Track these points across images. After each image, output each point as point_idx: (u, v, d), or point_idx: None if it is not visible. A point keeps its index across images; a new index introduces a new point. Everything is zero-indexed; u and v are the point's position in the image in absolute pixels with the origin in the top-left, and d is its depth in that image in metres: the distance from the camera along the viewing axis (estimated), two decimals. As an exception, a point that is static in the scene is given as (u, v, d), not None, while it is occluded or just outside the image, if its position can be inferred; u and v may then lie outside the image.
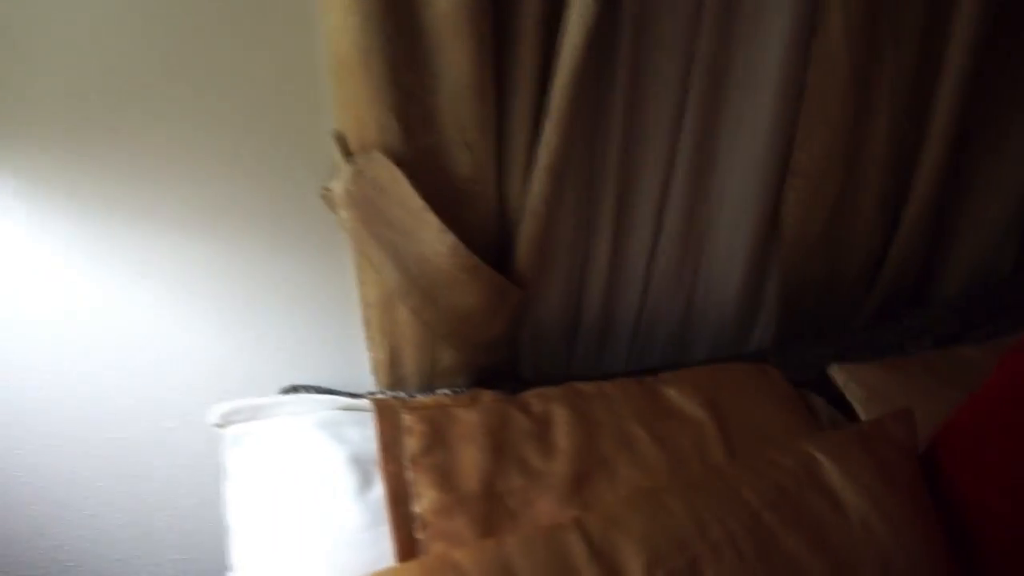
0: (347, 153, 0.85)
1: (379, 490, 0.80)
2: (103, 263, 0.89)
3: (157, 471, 1.06)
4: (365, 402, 0.90)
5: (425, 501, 0.80)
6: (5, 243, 0.86)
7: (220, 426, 0.86)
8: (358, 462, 0.82)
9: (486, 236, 0.93)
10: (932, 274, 1.27)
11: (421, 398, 0.94)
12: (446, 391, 0.99)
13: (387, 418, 0.87)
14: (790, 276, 1.17)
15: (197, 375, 0.99)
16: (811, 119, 1.02)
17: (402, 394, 0.98)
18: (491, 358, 1.06)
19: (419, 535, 0.77)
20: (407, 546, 0.76)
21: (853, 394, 1.06)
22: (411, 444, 0.84)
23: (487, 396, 0.94)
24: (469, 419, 0.89)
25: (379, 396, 0.95)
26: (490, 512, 0.81)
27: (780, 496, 0.78)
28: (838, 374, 1.09)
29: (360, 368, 1.05)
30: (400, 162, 0.83)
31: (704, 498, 0.77)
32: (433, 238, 0.87)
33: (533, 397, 0.96)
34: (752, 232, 1.14)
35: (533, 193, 0.90)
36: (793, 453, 0.84)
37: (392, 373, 1.01)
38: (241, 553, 0.79)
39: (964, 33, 0.96)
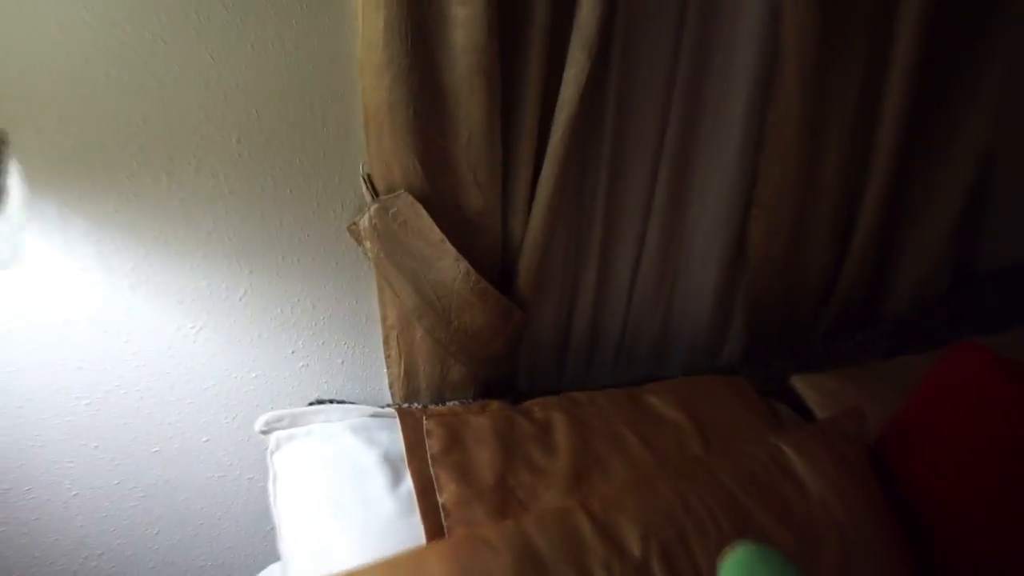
0: (375, 193, 0.98)
1: (407, 484, 0.92)
2: (160, 293, 1.00)
3: (190, 482, 1.16)
4: (389, 410, 1.02)
5: (447, 493, 0.92)
6: (76, 279, 0.97)
7: (264, 432, 0.97)
8: (388, 461, 0.94)
9: (493, 264, 1.06)
10: (881, 292, 1.42)
11: (437, 407, 1.06)
12: (456, 402, 1.12)
13: (409, 424, 0.99)
14: (755, 296, 1.32)
15: (231, 393, 1.09)
16: (770, 157, 1.17)
17: (417, 405, 1.11)
18: (494, 372, 1.18)
19: (445, 522, 0.89)
20: (436, 531, 0.88)
21: (812, 400, 1.20)
22: (433, 445, 0.96)
23: (494, 405, 1.07)
24: (480, 424, 1.01)
25: (399, 406, 1.07)
26: (503, 503, 0.93)
27: (752, 481, 0.91)
28: (798, 383, 1.24)
29: (377, 383, 1.17)
30: (421, 199, 0.97)
31: (688, 483, 0.90)
32: (450, 265, 1.00)
33: (534, 405, 1.08)
34: (721, 257, 1.28)
35: (533, 226, 1.03)
36: (762, 446, 0.97)
37: (407, 387, 1.13)
38: (289, 543, 0.90)
39: (900, 84, 1.12)
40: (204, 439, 1.13)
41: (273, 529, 0.95)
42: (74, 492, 1.10)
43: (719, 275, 1.31)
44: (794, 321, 1.39)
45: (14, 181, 0.79)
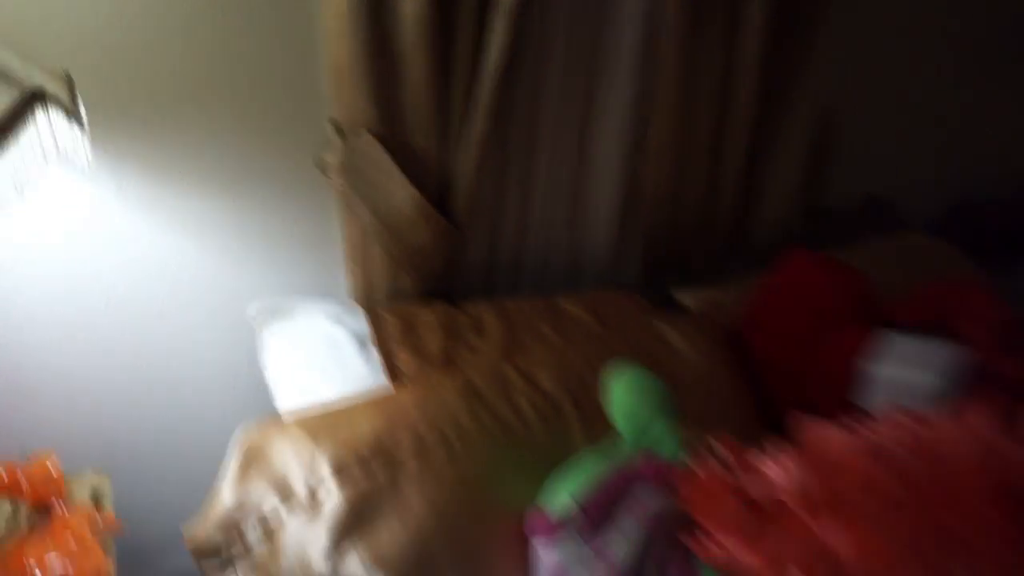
0: (340, 133, 1.24)
1: (374, 355, 1.18)
2: (169, 217, 1.24)
3: (191, 364, 1.36)
4: (353, 305, 1.28)
5: (404, 363, 1.18)
6: (98, 208, 1.19)
7: (255, 318, 1.22)
8: (357, 337, 1.20)
9: (434, 193, 1.33)
10: (748, 224, 1.75)
11: (392, 305, 1.33)
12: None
13: (372, 314, 1.25)
14: (647, 226, 1.61)
15: (224, 294, 1.32)
16: (655, 108, 1.46)
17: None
18: (434, 285, 1.44)
19: (404, 383, 1.16)
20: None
21: (692, 306, 1.52)
22: (391, 330, 1.22)
23: (438, 303, 1.34)
24: (427, 315, 1.28)
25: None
26: (448, 369, 1.20)
27: (637, 345, 1.21)
28: (680, 295, 1.55)
29: (338, 293, 1.41)
30: (377, 138, 1.23)
31: (591, 348, 1.20)
32: (401, 192, 1.26)
33: (469, 306, 1.36)
34: (619, 194, 1.57)
35: (465, 162, 1.30)
36: (645, 325, 1.28)
37: (365, 294, 1.38)
38: (282, 399, 1.15)
39: (752, 47, 1.42)
40: (204, 328, 1.35)
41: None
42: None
43: (618, 209, 1.60)
44: (681, 249, 1.70)
45: (81, 117, 1.01)
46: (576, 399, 1.11)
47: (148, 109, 1.17)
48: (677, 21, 1.35)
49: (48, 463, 1.07)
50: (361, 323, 1.23)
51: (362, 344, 1.20)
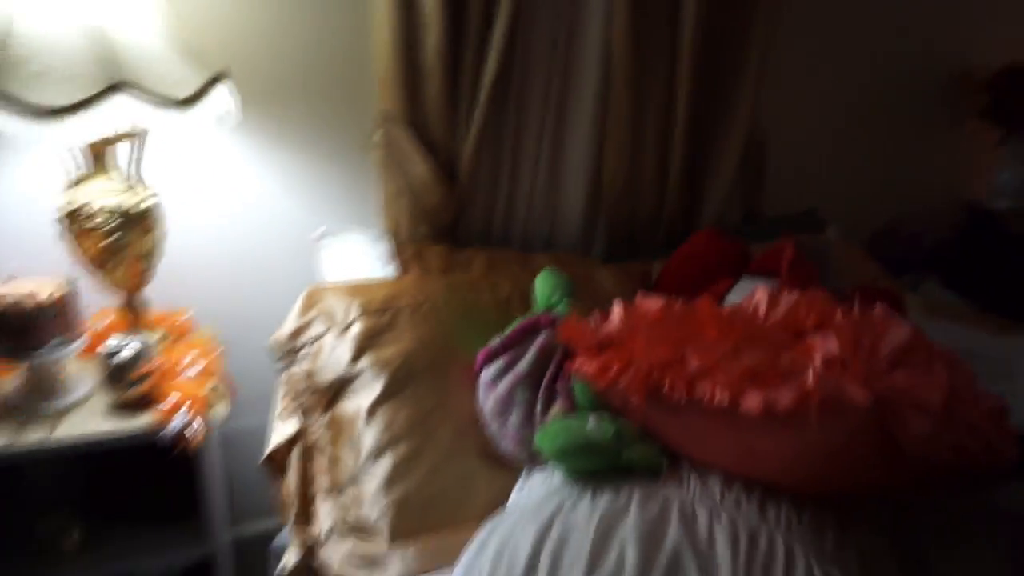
0: (382, 121, 1.85)
1: (393, 266, 1.77)
2: (274, 166, 1.87)
3: (270, 267, 1.99)
4: (385, 236, 1.89)
5: (413, 272, 1.77)
6: (239, 165, 1.83)
7: (318, 239, 1.84)
8: (384, 256, 1.80)
9: (446, 166, 1.92)
10: (695, 224, 2.28)
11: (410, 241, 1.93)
12: (421, 247, 1.98)
13: (397, 242, 1.85)
14: (610, 215, 2.16)
15: (301, 229, 1.92)
16: (611, 118, 2.02)
17: (399, 247, 1.97)
18: (443, 234, 2.01)
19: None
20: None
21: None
22: (407, 254, 1.82)
23: (443, 245, 1.93)
24: (434, 250, 1.87)
25: (389, 242, 1.94)
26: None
27: (575, 276, 1.77)
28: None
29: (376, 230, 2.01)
30: (405, 124, 1.83)
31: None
32: (421, 165, 1.86)
33: (467, 250, 1.93)
34: (586, 184, 2.13)
35: (468, 143, 1.89)
36: (587, 267, 1.85)
37: (394, 237, 1.98)
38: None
39: (687, 72, 2.00)
40: (288, 242, 1.94)
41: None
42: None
43: (586, 197, 2.15)
44: (639, 237, 2.24)
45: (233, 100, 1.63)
46: (522, 298, 1.67)
47: (270, 94, 1.80)
48: (623, 48, 1.92)
49: (184, 314, 1.70)
50: (388, 247, 1.83)
51: (387, 261, 1.79)
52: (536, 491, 1.29)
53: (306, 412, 1.49)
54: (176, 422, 1.46)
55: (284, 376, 1.54)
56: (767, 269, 1.72)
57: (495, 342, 1.46)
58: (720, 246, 1.88)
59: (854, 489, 1.17)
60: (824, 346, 1.10)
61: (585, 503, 1.14)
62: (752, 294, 1.34)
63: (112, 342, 1.50)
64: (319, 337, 1.55)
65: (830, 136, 2.53)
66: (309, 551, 1.35)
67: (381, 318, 1.54)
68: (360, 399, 1.47)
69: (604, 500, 1.13)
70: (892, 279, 2.18)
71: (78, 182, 1.52)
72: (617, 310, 1.33)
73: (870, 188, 2.65)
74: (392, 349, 1.51)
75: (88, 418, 1.50)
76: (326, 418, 1.49)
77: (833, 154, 2.57)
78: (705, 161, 2.20)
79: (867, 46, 2.43)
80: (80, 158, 1.53)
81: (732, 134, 2.15)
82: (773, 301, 1.30)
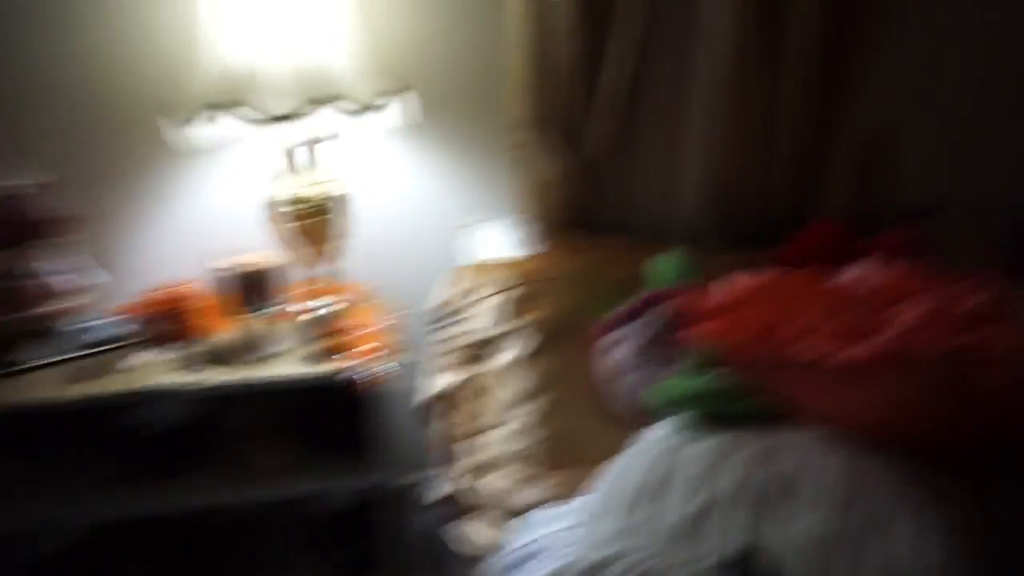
0: (515, 124, 2.13)
1: (528, 248, 2.06)
2: (445, 172, 2.22)
3: (425, 246, 2.31)
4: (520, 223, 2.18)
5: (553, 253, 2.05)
6: (406, 163, 2.19)
7: (460, 227, 2.16)
8: (522, 239, 2.09)
9: (574, 162, 2.18)
10: (809, 213, 2.41)
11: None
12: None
13: (534, 229, 2.14)
14: (727, 205, 2.32)
15: (444, 214, 2.25)
16: (729, 119, 2.20)
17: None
18: (570, 225, 2.28)
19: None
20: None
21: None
22: (542, 240, 2.10)
23: (571, 233, 2.19)
24: (564, 236, 2.14)
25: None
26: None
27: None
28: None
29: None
30: (541, 123, 2.11)
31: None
32: (552, 162, 2.13)
33: (596, 238, 2.19)
34: (705, 177, 2.31)
35: (599, 144, 2.14)
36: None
37: (530, 225, 2.26)
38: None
39: (797, 82, 2.16)
40: (439, 234, 2.28)
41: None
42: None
43: (707, 191, 2.34)
44: (757, 230, 2.39)
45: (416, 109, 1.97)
46: (642, 279, 1.91)
47: (439, 101, 2.14)
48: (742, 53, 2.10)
49: (366, 285, 2.07)
50: (526, 233, 2.13)
51: (524, 244, 2.08)
52: (650, 439, 1.52)
53: (457, 367, 1.80)
54: (357, 370, 1.80)
55: (437, 337, 1.86)
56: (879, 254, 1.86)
57: (619, 310, 1.71)
58: (836, 236, 2.02)
59: (939, 445, 1.23)
60: (909, 310, 1.26)
61: (696, 442, 1.30)
62: (855, 269, 1.51)
63: (310, 304, 1.87)
64: (470, 305, 1.86)
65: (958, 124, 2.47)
66: (455, 484, 1.65)
67: (527, 288, 1.84)
68: (510, 355, 1.78)
69: (715, 439, 1.28)
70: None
71: (288, 175, 1.90)
72: (730, 282, 1.54)
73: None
74: (538, 314, 1.83)
75: (288, 364, 1.87)
76: (474, 371, 1.79)
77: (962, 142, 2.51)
78: (824, 155, 2.31)
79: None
80: (291, 156, 1.92)
81: (850, 129, 2.26)
82: (873, 274, 1.47)
